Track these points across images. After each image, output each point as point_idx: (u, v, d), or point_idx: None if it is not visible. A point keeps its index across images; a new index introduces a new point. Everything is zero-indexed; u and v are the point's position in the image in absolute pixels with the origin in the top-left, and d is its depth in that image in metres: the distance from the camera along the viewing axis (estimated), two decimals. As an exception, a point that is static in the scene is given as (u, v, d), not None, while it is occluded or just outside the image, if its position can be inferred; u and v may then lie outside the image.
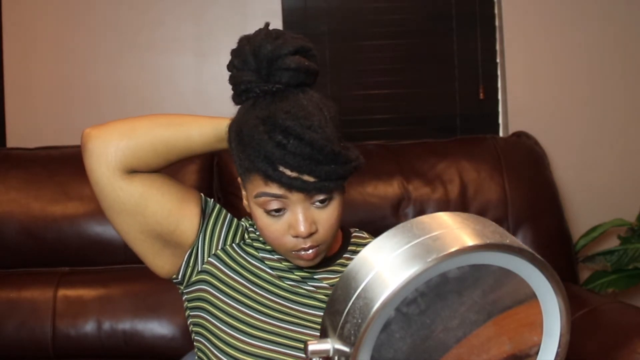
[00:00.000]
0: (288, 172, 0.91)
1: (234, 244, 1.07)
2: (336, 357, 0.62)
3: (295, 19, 2.31)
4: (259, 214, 0.98)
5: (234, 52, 1.01)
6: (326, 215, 0.97)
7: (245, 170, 0.96)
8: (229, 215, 1.10)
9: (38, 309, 1.74)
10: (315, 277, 1.08)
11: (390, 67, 2.34)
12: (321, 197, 0.95)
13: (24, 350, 1.73)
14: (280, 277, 1.06)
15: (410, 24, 2.34)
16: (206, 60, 2.25)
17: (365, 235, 1.18)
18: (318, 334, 1.04)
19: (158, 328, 1.73)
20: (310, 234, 0.96)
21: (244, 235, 1.09)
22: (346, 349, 0.61)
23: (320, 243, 0.98)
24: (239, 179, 1.03)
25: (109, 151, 0.97)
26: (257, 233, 1.10)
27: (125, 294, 1.75)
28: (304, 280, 1.07)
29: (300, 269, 1.07)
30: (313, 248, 0.98)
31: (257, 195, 0.95)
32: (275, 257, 1.08)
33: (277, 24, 2.26)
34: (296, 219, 0.95)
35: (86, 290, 1.77)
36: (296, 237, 0.96)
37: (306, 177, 0.91)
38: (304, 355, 1.02)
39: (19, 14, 2.24)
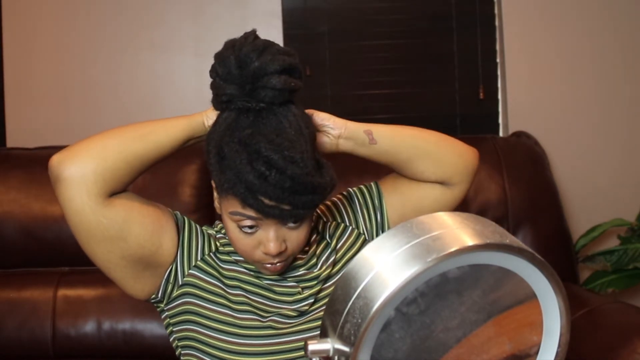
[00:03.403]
0: (266, 201, 0.92)
1: (211, 253, 1.08)
2: (336, 357, 0.62)
3: (295, 19, 2.31)
4: (231, 227, 0.99)
5: (218, 58, 1.00)
6: (296, 235, 0.99)
7: (223, 190, 0.95)
8: (197, 225, 1.10)
9: (38, 309, 1.74)
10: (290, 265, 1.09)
11: (390, 67, 2.34)
12: (295, 221, 0.97)
13: (24, 350, 1.73)
14: (258, 277, 1.07)
15: (410, 24, 2.34)
16: (206, 60, 2.22)
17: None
18: (292, 321, 1.05)
19: (158, 328, 1.73)
20: (279, 252, 0.98)
21: (215, 242, 1.10)
22: (346, 348, 0.61)
23: (288, 258, 1.02)
24: (213, 183, 1.03)
25: (88, 178, 0.93)
26: (227, 238, 1.10)
27: (125, 294, 1.72)
28: (282, 275, 1.08)
29: None
30: (280, 262, 1.01)
31: (233, 213, 0.96)
32: None
33: (277, 24, 2.27)
34: (267, 239, 0.97)
35: (86, 290, 1.77)
36: (266, 253, 0.99)
37: (283, 206, 0.92)
38: (290, 346, 1.04)
39: (19, 14, 2.24)
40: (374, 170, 1.92)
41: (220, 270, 1.07)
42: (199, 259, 1.06)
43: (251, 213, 0.94)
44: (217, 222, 1.16)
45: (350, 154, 1.10)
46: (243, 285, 1.06)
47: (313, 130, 1.01)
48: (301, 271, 1.09)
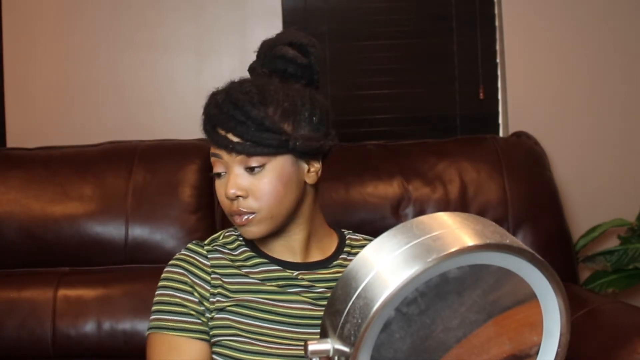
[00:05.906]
0: (220, 131, 1.00)
1: (211, 247, 1.11)
2: (336, 357, 0.62)
3: (295, 19, 2.30)
4: (215, 182, 1.06)
5: None
6: (258, 184, 1.01)
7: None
8: (188, 261, 1.10)
9: (38, 309, 1.74)
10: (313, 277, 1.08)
11: (390, 67, 2.34)
12: (252, 163, 1.00)
13: (24, 350, 1.72)
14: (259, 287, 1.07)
15: (410, 24, 2.34)
16: (206, 60, 2.25)
17: (359, 237, 1.18)
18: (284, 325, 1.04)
19: (158, 328, 1.73)
20: (237, 197, 1.01)
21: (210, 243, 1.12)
22: (346, 349, 0.61)
23: (254, 211, 1.02)
24: None
25: None
26: (233, 245, 1.12)
27: (125, 294, 1.75)
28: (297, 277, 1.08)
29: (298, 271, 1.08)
30: (245, 215, 1.02)
31: (210, 157, 1.05)
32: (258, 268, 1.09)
33: (277, 24, 2.27)
34: (227, 180, 1.02)
35: (86, 290, 1.77)
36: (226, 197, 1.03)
37: (232, 137, 1.00)
38: (286, 348, 1.04)
39: (19, 14, 2.24)
40: (373, 168, 1.92)
41: (225, 284, 1.07)
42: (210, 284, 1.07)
43: (213, 149, 1.03)
44: (223, 230, 1.16)
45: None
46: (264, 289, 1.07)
47: (323, 112, 1.05)
48: (320, 273, 1.09)
